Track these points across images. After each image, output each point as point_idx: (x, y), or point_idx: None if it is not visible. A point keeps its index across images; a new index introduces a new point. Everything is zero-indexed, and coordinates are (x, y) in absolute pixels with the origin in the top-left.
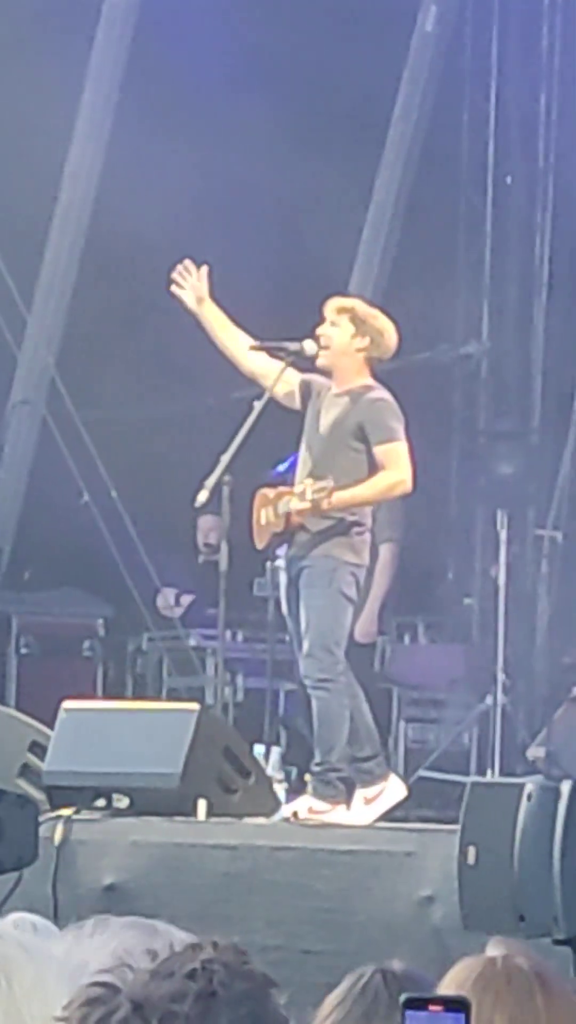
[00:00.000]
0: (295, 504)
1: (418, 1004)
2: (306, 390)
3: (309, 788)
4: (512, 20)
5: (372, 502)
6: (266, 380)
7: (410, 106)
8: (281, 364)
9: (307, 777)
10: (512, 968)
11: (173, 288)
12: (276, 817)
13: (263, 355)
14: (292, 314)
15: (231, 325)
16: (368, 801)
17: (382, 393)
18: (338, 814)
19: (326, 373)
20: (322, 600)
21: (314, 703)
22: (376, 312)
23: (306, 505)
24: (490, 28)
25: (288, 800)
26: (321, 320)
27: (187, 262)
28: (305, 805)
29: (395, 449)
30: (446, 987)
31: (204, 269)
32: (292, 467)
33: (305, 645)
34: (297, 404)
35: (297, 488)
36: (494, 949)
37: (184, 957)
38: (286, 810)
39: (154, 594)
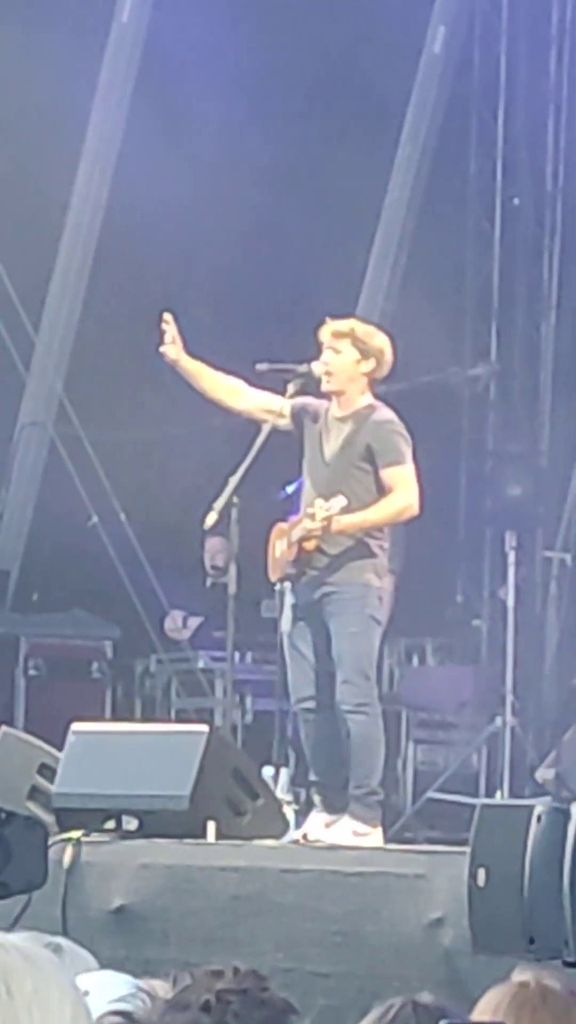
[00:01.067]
0: (308, 524)
1: None
2: (301, 414)
3: (350, 810)
4: (520, 42)
5: (381, 526)
6: (261, 415)
7: (418, 128)
8: (272, 396)
9: (315, 797)
10: (546, 990)
11: (161, 348)
12: (285, 839)
13: (253, 391)
14: (300, 336)
15: (209, 372)
16: (356, 835)
17: (388, 413)
18: (375, 838)
19: (326, 396)
20: (356, 627)
21: (352, 728)
22: (372, 330)
23: (317, 526)
24: (498, 50)
25: (298, 823)
26: (319, 346)
27: (166, 315)
28: (348, 828)
29: (403, 472)
30: (480, 1013)
31: (168, 317)
32: (300, 489)
33: (341, 672)
34: (292, 428)
35: (307, 511)
36: (521, 975)
37: (202, 986)
38: (315, 831)
39: (162, 616)
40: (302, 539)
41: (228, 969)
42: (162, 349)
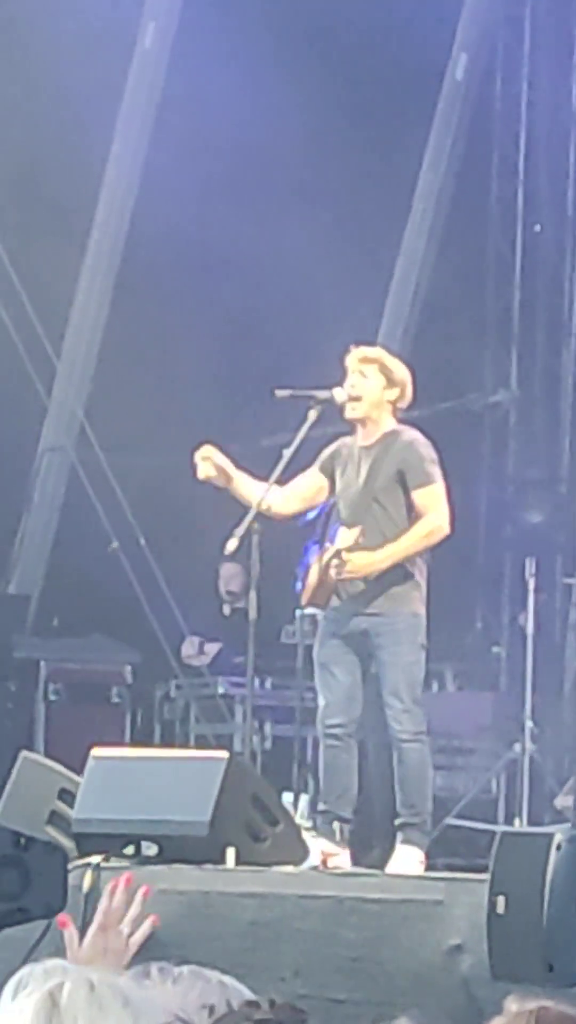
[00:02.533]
0: (326, 555)
1: None
2: (331, 466)
3: (407, 838)
4: (542, 69)
5: (415, 554)
6: (306, 505)
7: (440, 154)
8: (306, 478)
9: (335, 826)
10: (548, 1017)
11: (200, 475)
12: (305, 865)
13: (291, 490)
14: (320, 364)
15: (256, 483)
16: (421, 863)
17: (415, 434)
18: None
19: (348, 424)
20: (411, 656)
21: (410, 756)
22: (397, 361)
23: (330, 559)
24: (520, 77)
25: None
26: (343, 372)
27: (207, 449)
28: (414, 858)
29: (433, 492)
30: None
31: (209, 450)
32: (320, 514)
33: (399, 701)
34: (328, 484)
35: (342, 543)
36: (514, 1004)
37: (239, 1016)
38: (339, 860)
39: (181, 642)
40: (325, 567)
41: (264, 1001)
42: (206, 476)
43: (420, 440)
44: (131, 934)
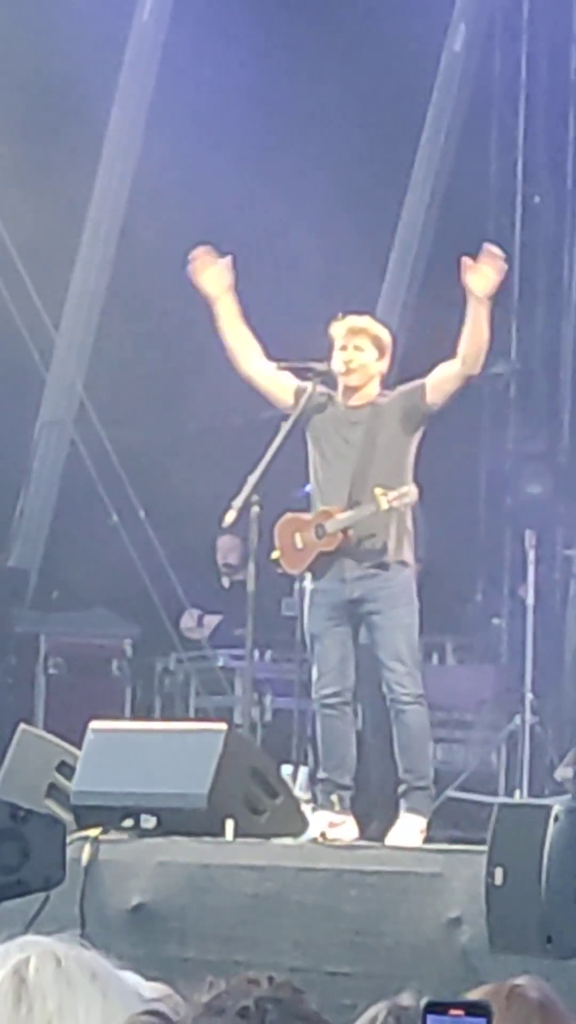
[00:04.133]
0: (367, 509)
1: (439, 1009)
2: (303, 398)
3: (411, 806)
4: (540, 41)
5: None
6: (264, 384)
7: (439, 126)
8: (281, 373)
9: (333, 797)
10: (516, 995)
11: (192, 272)
12: (304, 838)
13: (265, 361)
14: (320, 336)
15: (243, 324)
16: (422, 832)
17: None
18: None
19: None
20: (409, 618)
21: (412, 718)
22: (382, 327)
23: (388, 511)
24: (519, 49)
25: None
26: (329, 340)
27: (208, 247)
28: (415, 827)
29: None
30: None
31: (228, 259)
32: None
33: (401, 664)
34: (290, 409)
35: (352, 499)
36: (515, 979)
37: (239, 992)
38: (333, 831)
39: (181, 614)
40: (344, 532)
41: (263, 977)
42: (199, 277)
43: (398, 389)
44: None
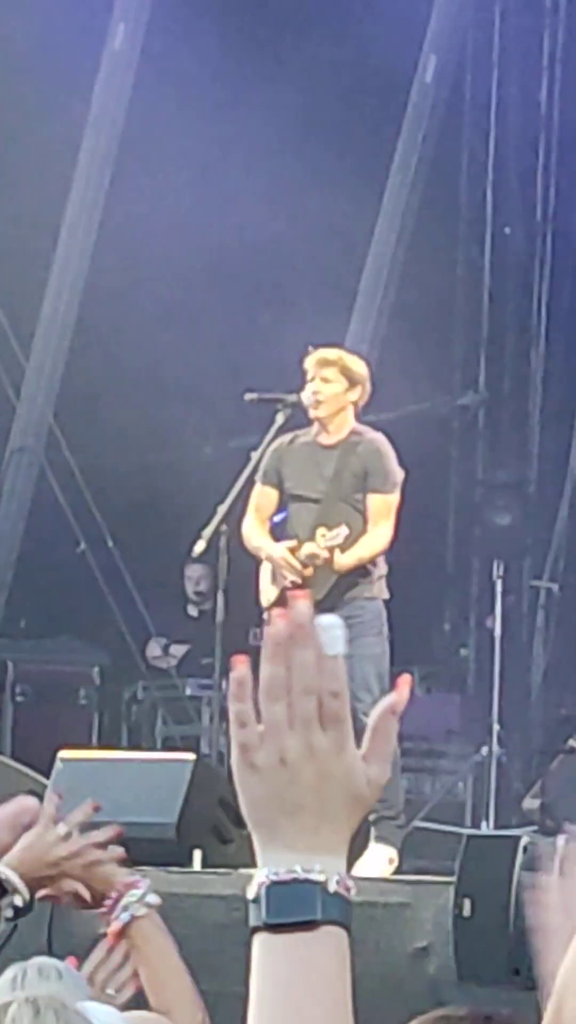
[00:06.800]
0: (311, 550)
1: None
2: (277, 471)
3: (380, 836)
4: (511, 72)
5: (377, 556)
6: (269, 518)
7: (409, 157)
8: (257, 506)
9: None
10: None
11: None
12: None
13: (248, 525)
14: (289, 365)
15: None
16: (391, 862)
17: (376, 435)
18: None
19: (311, 422)
20: (379, 647)
21: None
22: (357, 359)
23: (322, 554)
24: (489, 79)
25: None
26: (302, 375)
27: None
28: (383, 856)
29: (388, 502)
30: None
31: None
32: (286, 517)
33: (370, 695)
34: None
35: (302, 538)
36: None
37: None
38: None
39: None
40: (303, 565)
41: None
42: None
43: (385, 443)
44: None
